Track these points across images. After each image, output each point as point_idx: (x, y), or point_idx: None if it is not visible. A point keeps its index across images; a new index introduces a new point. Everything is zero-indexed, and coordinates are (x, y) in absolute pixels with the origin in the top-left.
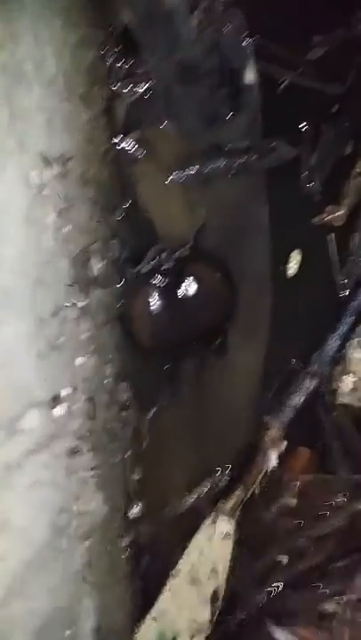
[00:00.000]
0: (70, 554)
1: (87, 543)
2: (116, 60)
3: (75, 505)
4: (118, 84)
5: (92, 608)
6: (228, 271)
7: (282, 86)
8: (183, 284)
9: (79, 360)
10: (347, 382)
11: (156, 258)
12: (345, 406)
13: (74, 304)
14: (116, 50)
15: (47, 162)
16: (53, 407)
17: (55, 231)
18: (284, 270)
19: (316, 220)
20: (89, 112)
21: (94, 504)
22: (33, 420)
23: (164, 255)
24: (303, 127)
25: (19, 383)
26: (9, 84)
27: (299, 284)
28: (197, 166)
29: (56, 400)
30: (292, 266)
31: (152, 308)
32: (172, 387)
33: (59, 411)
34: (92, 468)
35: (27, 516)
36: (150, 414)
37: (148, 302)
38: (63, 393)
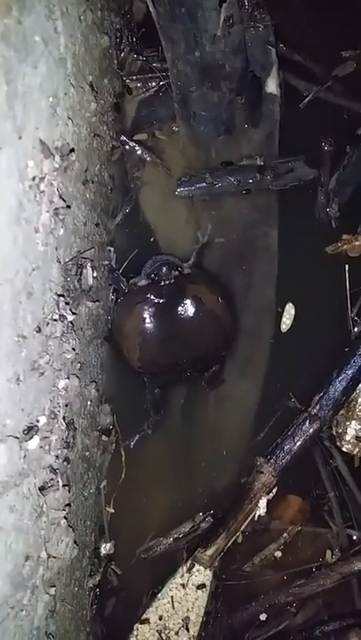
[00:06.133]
0: (32, 608)
1: (52, 590)
2: (132, 52)
3: (42, 550)
4: (131, 78)
5: None
6: (230, 296)
7: (305, 101)
8: (181, 305)
9: (62, 382)
10: (351, 429)
11: (154, 272)
12: (346, 454)
13: (62, 318)
14: (132, 40)
15: (47, 152)
16: (27, 440)
17: (47, 234)
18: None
19: (330, 248)
20: (97, 104)
21: (64, 546)
22: (0, 457)
23: (163, 270)
24: (325, 147)
25: None
26: (11, 55)
27: (304, 316)
28: (208, 180)
29: (31, 431)
30: (287, 321)
31: (145, 325)
32: (159, 413)
33: (33, 443)
34: (65, 506)
35: None
36: (133, 441)
37: (143, 319)
38: (41, 422)
